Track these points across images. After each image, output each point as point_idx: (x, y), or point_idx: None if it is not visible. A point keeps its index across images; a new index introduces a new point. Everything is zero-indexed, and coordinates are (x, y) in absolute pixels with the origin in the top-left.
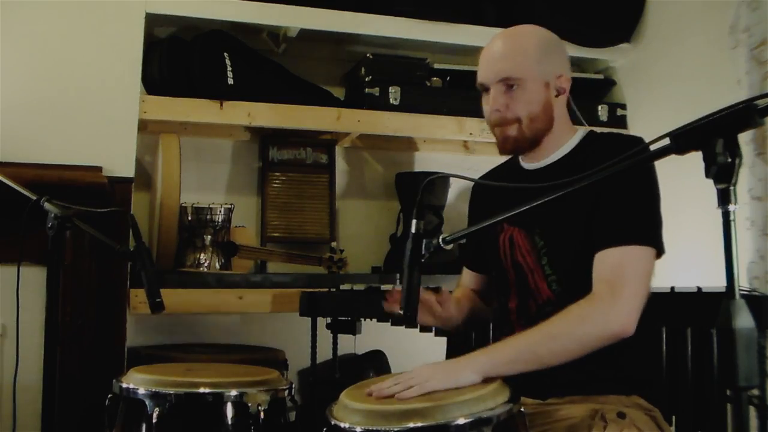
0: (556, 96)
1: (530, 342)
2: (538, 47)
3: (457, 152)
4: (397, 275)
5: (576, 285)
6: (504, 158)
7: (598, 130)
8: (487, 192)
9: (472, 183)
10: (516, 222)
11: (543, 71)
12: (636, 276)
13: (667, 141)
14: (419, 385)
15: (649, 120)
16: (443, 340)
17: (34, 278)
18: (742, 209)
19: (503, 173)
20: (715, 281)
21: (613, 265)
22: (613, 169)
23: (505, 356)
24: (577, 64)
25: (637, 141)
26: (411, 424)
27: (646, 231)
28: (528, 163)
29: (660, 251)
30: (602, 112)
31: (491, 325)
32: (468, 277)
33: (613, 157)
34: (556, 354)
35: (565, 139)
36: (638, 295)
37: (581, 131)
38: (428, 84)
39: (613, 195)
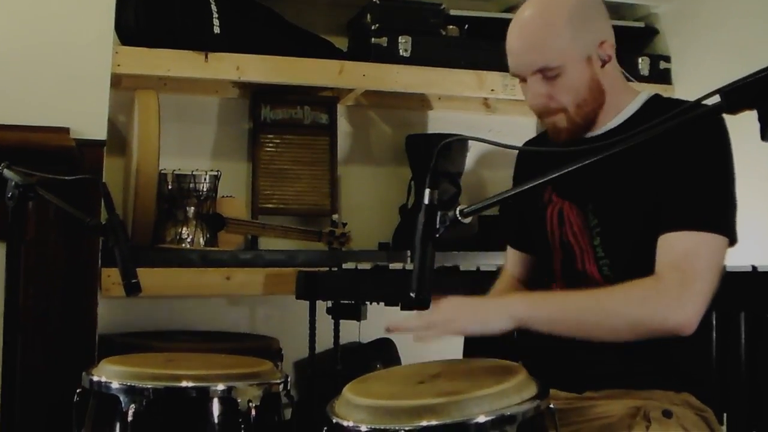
0: (602, 66)
1: (579, 307)
2: (570, 21)
3: (476, 111)
4: (408, 252)
5: (632, 272)
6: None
7: (665, 90)
8: (535, 157)
9: (496, 147)
10: (567, 195)
11: (582, 47)
12: (710, 270)
13: (717, 98)
14: (442, 325)
15: (696, 74)
16: None
17: None
18: None
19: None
20: None
21: (687, 251)
22: (660, 130)
23: (546, 312)
24: (614, 10)
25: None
26: (424, 423)
27: (724, 218)
28: None
29: (733, 240)
30: (643, 65)
31: None
32: (514, 260)
33: (681, 127)
34: (603, 330)
35: (624, 103)
36: (708, 294)
37: (644, 94)
38: (443, 33)
39: (686, 172)
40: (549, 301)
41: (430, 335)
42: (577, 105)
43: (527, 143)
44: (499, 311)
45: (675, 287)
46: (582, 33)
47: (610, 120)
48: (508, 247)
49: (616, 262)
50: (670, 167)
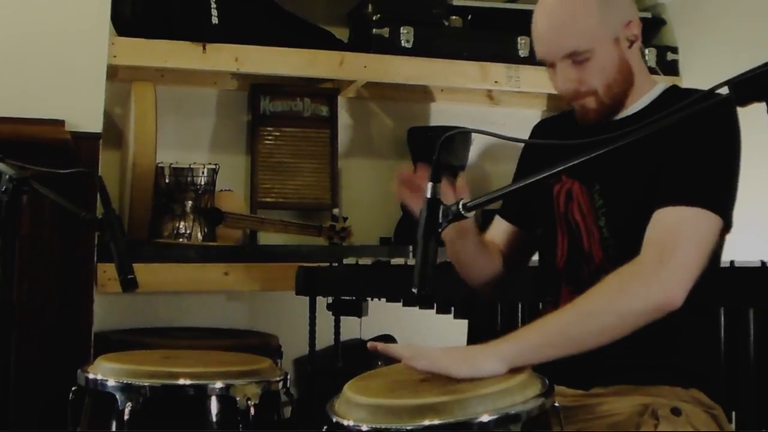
0: (630, 47)
1: (561, 322)
2: (597, 2)
3: (480, 103)
4: (410, 248)
5: (636, 254)
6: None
7: (682, 84)
8: (546, 137)
9: (500, 140)
10: (576, 174)
11: (609, 28)
12: (692, 241)
13: (725, 90)
14: (432, 362)
15: (704, 65)
16: (463, 323)
17: None
18: None
19: (565, 123)
20: None
21: (669, 227)
22: (671, 121)
23: (531, 341)
24: None
25: (727, 101)
26: (426, 422)
27: (715, 195)
28: None
29: (727, 224)
30: (650, 56)
31: (520, 304)
32: (499, 230)
33: (695, 118)
34: (593, 334)
35: (643, 91)
36: (690, 264)
37: (661, 85)
38: (446, 23)
39: (685, 152)
40: (532, 330)
41: (422, 366)
42: (607, 86)
43: (540, 124)
44: (487, 357)
45: (652, 264)
46: (609, 14)
47: (627, 108)
48: (496, 218)
49: (620, 244)
50: (675, 150)
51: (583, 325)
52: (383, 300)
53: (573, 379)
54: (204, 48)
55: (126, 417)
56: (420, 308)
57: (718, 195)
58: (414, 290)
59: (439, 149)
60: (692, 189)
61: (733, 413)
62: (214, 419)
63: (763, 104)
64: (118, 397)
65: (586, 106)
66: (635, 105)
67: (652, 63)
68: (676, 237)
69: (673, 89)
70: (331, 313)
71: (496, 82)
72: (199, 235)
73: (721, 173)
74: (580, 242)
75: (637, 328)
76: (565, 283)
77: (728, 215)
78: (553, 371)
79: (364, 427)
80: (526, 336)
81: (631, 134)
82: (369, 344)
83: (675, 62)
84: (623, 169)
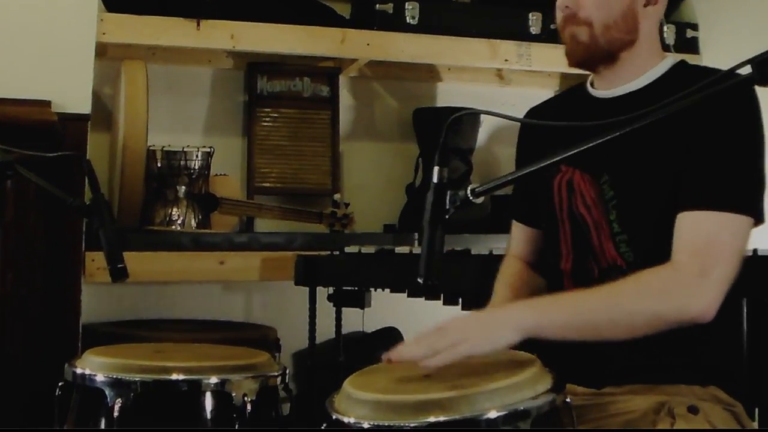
0: (645, 5)
1: (590, 307)
2: None
3: (489, 83)
4: (415, 235)
5: (654, 251)
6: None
7: (692, 60)
8: (541, 126)
9: (510, 121)
10: (578, 163)
11: None
12: (732, 254)
13: (748, 69)
14: (450, 348)
15: (725, 43)
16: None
17: None
18: None
19: (566, 101)
20: None
21: (708, 234)
22: (686, 103)
23: (556, 318)
24: None
25: (749, 80)
26: (431, 419)
27: (749, 197)
28: (600, 91)
29: (759, 220)
30: (668, 33)
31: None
32: (520, 236)
33: (715, 100)
34: (619, 328)
35: (649, 65)
36: (727, 279)
37: (670, 59)
38: None
39: (712, 145)
40: (558, 306)
41: (437, 362)
42: (606, 25)
43: (533, 110)
44: (506, 325)
45: (694, 276)
46: None
47: (634, 80)
48: (513, 223)
49: (634, 239)
50: (694, 137)
51: (611, 316)
52: (387, 290)
53: (584, 378)
54: (198, 24)
55: (115, 414)
56: (426, 299)
57: (750, 195)
58: (420, 280)
59: (446, 131)
60: (729, 193)
61: (756, 410)
62: (209, 416)
63: None
64: (107, 392)
65: (576, 36)
66: (641, 79)
67: (671, 40)
68: (718, 247)
69: (682, 65)
70: (332, 304)
71: (506, 60)
72: (192, 222)
73: (750, 169)
74: (588, 238)
75: (659, 333)
76: (572, 284)
77: (761, 213)
78: (563, 368)
79: (366, 425)
80: (550, 311)
81: (645, 117)
82: (383, 358)
83: (695, 39)
84: (636, 157)
